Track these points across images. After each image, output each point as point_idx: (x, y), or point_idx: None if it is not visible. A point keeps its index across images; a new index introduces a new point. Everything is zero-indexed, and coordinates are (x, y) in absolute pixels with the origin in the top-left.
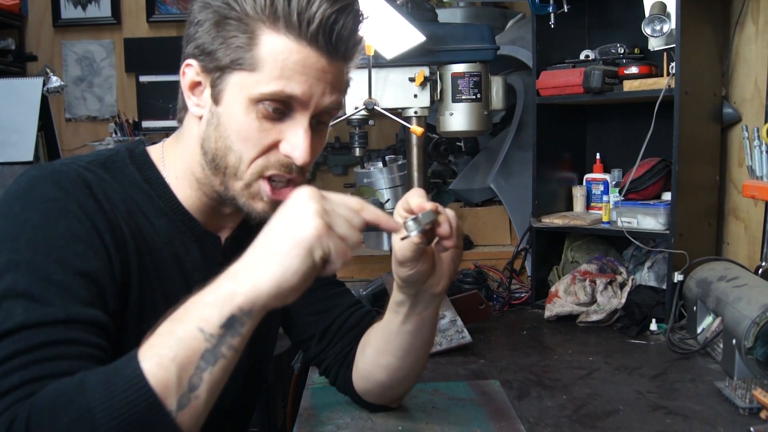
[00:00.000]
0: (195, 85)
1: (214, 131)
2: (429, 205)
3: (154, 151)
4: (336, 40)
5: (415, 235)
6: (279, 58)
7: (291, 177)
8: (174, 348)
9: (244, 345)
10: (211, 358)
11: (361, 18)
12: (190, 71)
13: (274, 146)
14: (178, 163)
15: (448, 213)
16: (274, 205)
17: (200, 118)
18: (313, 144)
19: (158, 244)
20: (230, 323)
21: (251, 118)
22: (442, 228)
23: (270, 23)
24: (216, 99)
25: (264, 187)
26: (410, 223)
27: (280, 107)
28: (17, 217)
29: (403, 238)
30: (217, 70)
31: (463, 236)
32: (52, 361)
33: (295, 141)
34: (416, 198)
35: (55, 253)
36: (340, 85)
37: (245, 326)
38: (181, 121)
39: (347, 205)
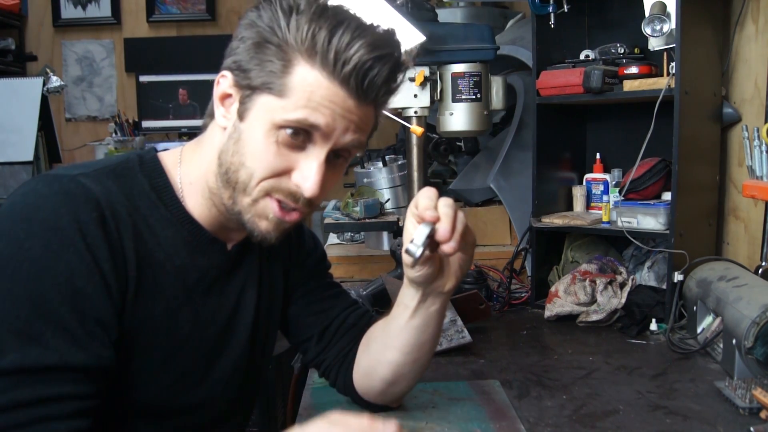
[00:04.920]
0: (225, 97)
1: (234, 145)
2: (429, 215)
3: (170, 156)
4: (368, 86)
5: (419, 256)
6: (308, 89)
7: (297, 207)
8: None
9: None
10: None
11: (400, 68)
12: (224, 82)
13: (285, 173)
14: (194, 169)
15: (460, 217)
16: (279, 225)
17: (224, 129)
18: (326, 178)
19: (161, 258)
20: None
21: (270, 141)
22: (438, 234)
23: (307, 56)
24: (241, 115)
25: (272, 204)
26: (411, 248)
27: (301, 136)
28: (21, 245)
29: (412, 264)
30: (248, 89)
31: (473, 242)
32: (53, 421)
33: (307, 172)
34: (425, 200)
35: (54, 290)
36: (365, 127)
37: None
38: (205, 127)
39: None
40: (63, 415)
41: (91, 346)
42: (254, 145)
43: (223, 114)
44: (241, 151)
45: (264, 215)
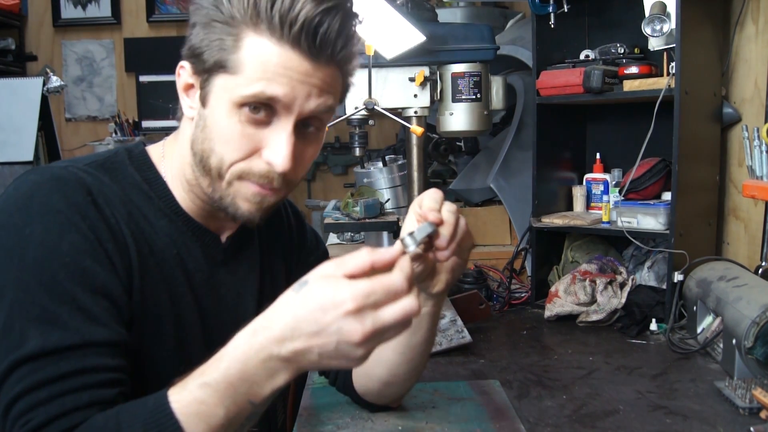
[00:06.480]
0: (188, 87)
1: (201, 133)
2: (432, 216)
3: (155, 150)
4: (320, 42)
5: (412, 252)
6: (260, 60)
7: (273, 188)
8: (223, 418)
9: None
10: (254, 415)
11: (353, 19)
12: (183, 73)
13: (255, 152)
14: (175, 164)
15: (461, 224)
16: (261, 204)
17: (191, 119)
18: (299, 150)
19: (161, 245)
20: (277, 390)
21: (233, 121)
22: (439, 240)
23: (253, 25)
24: (203, 101)
25: (248, 186)
26: (407, 240)
27: (263, 111)
28: (21, 232)
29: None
30: (204, 73)
31: (470, 247)
32: (74, 393)
33: (276, 147)
34: (429, 201)
35: (63, 271)
36: (329, 89)
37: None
38: (179, 121)
39: (387, 289)
40: (86, 386)
41: (110, 322)
42: (219, 128)
43: (189, 104)
44: (209, 137)
45: (244, 197)
